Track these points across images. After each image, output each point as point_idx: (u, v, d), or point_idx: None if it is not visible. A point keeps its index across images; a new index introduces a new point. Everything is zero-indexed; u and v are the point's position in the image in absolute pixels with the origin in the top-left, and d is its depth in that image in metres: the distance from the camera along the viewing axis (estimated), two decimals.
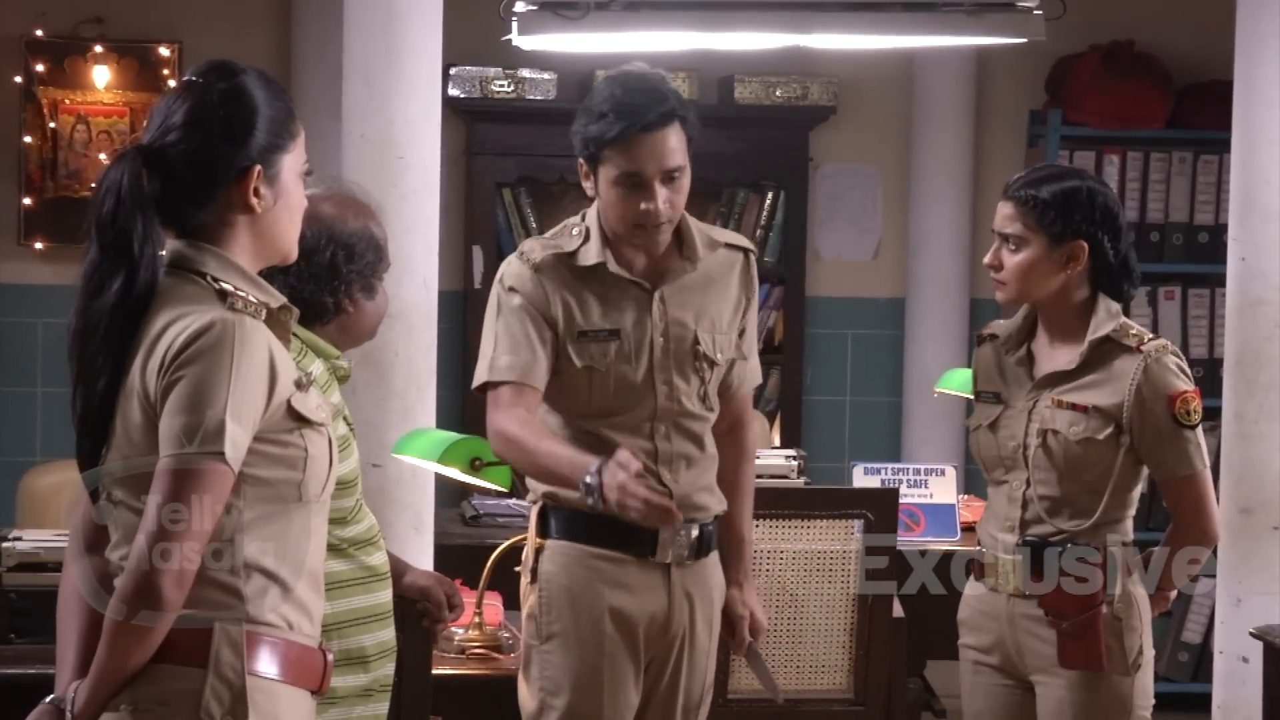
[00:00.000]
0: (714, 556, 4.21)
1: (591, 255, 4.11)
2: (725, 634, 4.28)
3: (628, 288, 4.13)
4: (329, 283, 3.87)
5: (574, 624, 4.08)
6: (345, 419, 3.81)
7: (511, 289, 4.10)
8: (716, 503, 4.19)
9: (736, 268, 4.23)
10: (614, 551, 4.09)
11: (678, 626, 4.14)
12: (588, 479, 3.80)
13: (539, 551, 4.13)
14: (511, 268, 4.13)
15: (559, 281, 4.10)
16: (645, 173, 4.01)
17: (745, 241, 4.30)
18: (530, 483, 4.16)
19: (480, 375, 4.09)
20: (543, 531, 4.14)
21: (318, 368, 3.76)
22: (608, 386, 4.08)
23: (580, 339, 4.08)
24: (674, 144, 4.03)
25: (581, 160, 4.08)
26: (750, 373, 4.28)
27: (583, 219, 4.16)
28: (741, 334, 4.23)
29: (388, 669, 3.90)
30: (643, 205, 4.02)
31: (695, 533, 4.13)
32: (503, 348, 4.07)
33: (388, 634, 3.90)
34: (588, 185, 4.09)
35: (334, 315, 3.90)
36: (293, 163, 3.06)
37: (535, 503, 4.16)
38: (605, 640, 4.08)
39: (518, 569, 4.24)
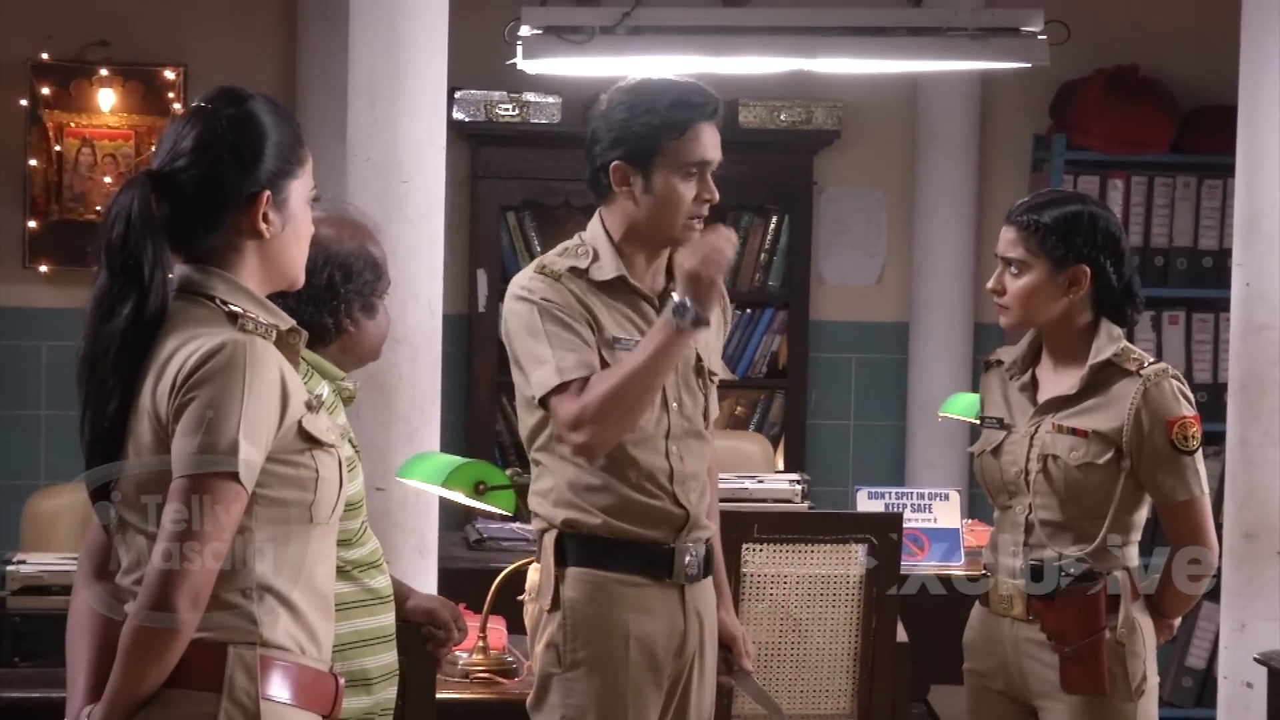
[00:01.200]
0: (711, 577, 4.23)
1: (607, 270, 4.11)
2: (722, 658, 4.28)
3: (641, 302, 4.14)
4: (328, 303, 3.88)
5: (600, 650, 4.07)
6: (350, 441, 3.81)
7: (545, 299, 4.06)
8: (713, 523, 4.24)
9: None
10: (633, 575, 4.09)
11: (691, 646, 4.15)
12: (674, 306, 3.94)
13: (559, 580, 4.10)
14: (536, 282, 4.09)
15: (584, 292, 4.10)
16: (710, 160, 4.07)
17: None
18: (541, 509, 4.13)
19: (547, 381, 4.01)
20: (561, 560, 4.11)
21: (324, 390, 3.76)
22: None
23: (615, 345, 4.07)
24: (718, 136, 4.12)
25: (620, 163, 4.06)
26: (716, 398, 4.30)
27: (580, 240, 4.16)
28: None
29: (390, 692, 3.90)
30: (705, 194, 4.07)
31: (704, 551, 4.16)
32: (561, 348, 4.02)
33: (391, 657, 3.90)
34: (624, 190, 4.07)
35: (335, 336, 3.92)
36: (301, 189, 3.07)
37: (548, 530, 4.12)
38: (630, 665, 4.07)
39: (520, 598, 4.22)
